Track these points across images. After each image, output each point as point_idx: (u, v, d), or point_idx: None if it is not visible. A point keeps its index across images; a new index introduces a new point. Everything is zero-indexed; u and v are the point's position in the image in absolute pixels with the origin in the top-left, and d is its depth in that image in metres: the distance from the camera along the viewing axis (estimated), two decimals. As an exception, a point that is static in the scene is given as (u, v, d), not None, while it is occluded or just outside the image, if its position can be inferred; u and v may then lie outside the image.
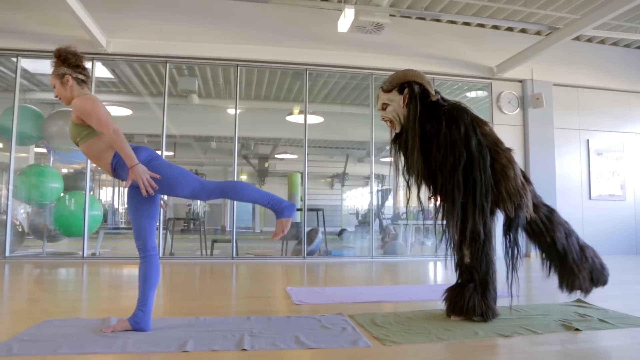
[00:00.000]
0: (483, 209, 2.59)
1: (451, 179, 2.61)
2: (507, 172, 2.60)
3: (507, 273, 2.67)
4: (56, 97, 2.36)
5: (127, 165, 2.20)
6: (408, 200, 2.85)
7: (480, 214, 2.58)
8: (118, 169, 2.32)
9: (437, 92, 2.78)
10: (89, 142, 2.30)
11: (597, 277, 2.81)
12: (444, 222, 2.72)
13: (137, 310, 2.35)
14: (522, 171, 2.81)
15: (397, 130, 2.84)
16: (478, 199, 2.58)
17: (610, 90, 7.85)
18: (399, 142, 2.84)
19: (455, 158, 2.59)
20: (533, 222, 2.75)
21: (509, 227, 2.68)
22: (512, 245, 2.67)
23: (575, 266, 2.74)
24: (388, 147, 2.97)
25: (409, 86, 2.74)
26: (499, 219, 2.77)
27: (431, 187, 2.76)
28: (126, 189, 2.41)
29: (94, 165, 2.91)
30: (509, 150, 2.77)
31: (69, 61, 2.31)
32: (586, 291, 2.80)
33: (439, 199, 2.74)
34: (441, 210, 2.73)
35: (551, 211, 2.84)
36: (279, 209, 2.51)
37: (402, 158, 2.82)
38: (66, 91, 2.32)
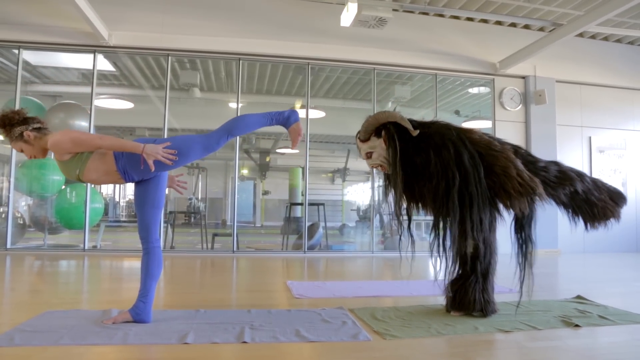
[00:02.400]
0: (482, 222, 2.57)
1: (445, 205, 2.55)
2: (509, 172, 2.54)
3: (520, 271, 2.62)
4: (31, 157, 2.31)
5: (137, 153, 2.21)
6: (401, 233, 2.78)
7: (480, 227, 2.56)
8: (128, 170, 2.30)
9: (415, 126, 2.66)
10: (88, 168, 2.26)
11: (617, 199, 2.86)
12: (443, 239, 2.67)
13: (138, 302, 2.36)
14: (518, 149, 2.81)
15: (390, 172, 2.79)
16: (476, 214, 2.53)
17: (613, 88, 7.83)
18: (391, 183, 2.78)
19: (449, 179, 2.53)
20: (550, 181, 2.75)
21: (521, 225, 2.66)
22: (525, 242, 2.66)
23: (599, 201, 2.80)
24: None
25: (384, 128, 2.67)
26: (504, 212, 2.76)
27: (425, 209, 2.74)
28: (133, 183, 2.40)
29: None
30: (505, 147, 2.71)
31: (14, 121, 2.24)
32: (619, 216, 2.86)
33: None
34: (437, 232, 2.67)
35: (557, 163, 2.87)
36: (283, 119, 2.55)
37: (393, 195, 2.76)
38: (34, 146, 2.28)
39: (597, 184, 2.88)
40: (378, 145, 2.71)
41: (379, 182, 7.68)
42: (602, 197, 2.82)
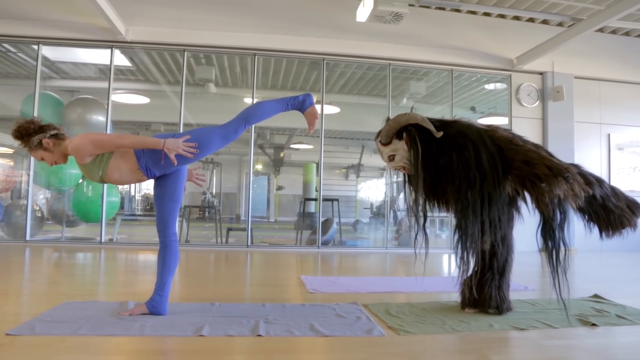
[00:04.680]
0: (500, 221, 2.53)
1: (466, 206, 2.50)
2: (533, 160, 2.45)
3: (553, 278, 2.39)
4: (53, 164, 2.31)
5: (158, 148, 2.23)
6: (417, 232, 2.74)
7: (497, 226, 2.53)
8: (150, 167, 2.32)
9: (438, 126, 2.60)
10: (110, 168, 2.27)
11: (634, 208, 2.76)
12: (460, 240, 2.56)
13: (154, 295, 2.39)
14: (539, 148, 2.75)
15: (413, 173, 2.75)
16: (494, 213, 2.50)
17: (634, 84, 7.67)
18: (412, 184, 2.74)
19: (470, 180, 2.50)
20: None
21: (551, 229, 2.43)
22: (557, 247, 2.43)
23: (617, 208, 2.70)
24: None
25: (405, 130, 2.64)
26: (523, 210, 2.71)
27: (444, 207, 2.70)
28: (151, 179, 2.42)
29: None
30: (528, 143, 2.68)
31: (31, 130, 2.24)
32: (635, 225, 2.74)
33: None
34: (458, 236, 2.58)
35: (578, 166, 2.77)
36: (299, 104, 2.56)
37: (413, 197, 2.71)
38: (54, 152, 2.28)
39: (616, 192, 2.78)
40: (400, 147, 2.67)
41: (394, 178, 7.65)
42: (620, 204, 2.72)
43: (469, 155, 2.51)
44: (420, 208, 2.65)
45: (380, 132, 2.75)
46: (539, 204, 2.44)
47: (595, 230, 2.74)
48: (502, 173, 2.51)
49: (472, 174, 2.49)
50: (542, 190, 2.38)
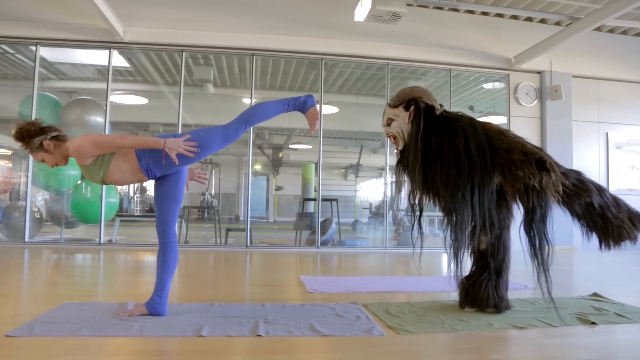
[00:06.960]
0: (489, 212, 2.53)
1: (456, 192, 2.51)
2: (514, 147, 2.48)
3: (538, 274, 2.42)
4: (54, 166, 2.30)
5: (158, 148, 2.23)
6: (414, 224, 2.75)
7: (487, 215, 2.52)
8: (151, 168, 2.32)
9: (441, 106, 2.72)
10: (111, 169, 2.27)
11: (636, 220, 2.70)
12: (451, 232, 2.59)
13: (154, 296, 2.39)
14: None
15: (400, 147, 2.78)
16: (484, 202, 2.50)
17: (632, 82, 7.68)
18: (403, 162, 2.76)
19: (460, 167, 2.52)
20: (567, 188, 2.63)
21: (533, 221, 2.46)
22: (540, 242, 2.46)
23: (616, 219, 2.66)
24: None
25: (415, 103, 2.69)
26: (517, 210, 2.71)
27: (437, 200, 2.70)
28: (151, 179, 2.41)
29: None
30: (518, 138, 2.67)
31: (32, 132, 2.22)
32: (635, 239, 2.69)
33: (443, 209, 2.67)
34: (447, 222, 2.61)
35: (578, 172, 2.76)
36: (300, 105, 2.57)
37: (407, 178, 2.74)
38: (55, 154, 2.27)
39: (618, 202, 2.73)
40: (402, 116, 2.72)
41: (393, 178, 7.64)
42: (620, 215, 2.66)
43: (459, 142, 2.56)
44: (417, 182, 2.65)
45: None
46: (514, 191, 2.46)
47: (594, 240, 2.71)
48: (490, 162, 2.53)
49: (462, 161, 2.53)
50: (516, 177, 2.39)
